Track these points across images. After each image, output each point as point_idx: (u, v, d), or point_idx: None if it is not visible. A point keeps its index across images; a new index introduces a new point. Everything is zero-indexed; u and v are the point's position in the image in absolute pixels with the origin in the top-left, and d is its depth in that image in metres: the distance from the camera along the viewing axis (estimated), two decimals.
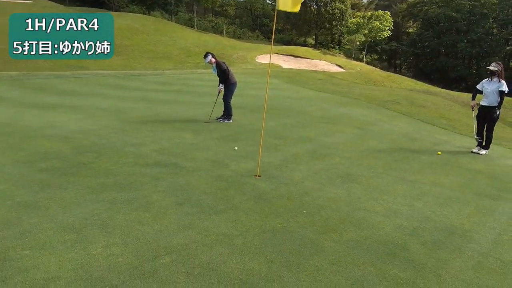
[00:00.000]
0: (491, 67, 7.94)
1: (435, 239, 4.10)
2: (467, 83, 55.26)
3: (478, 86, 8.27)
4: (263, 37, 59.65)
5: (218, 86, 9.72)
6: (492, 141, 8.47)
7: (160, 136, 7.92)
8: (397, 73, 50.94)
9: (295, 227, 4.18)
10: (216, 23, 59.90)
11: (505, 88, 7.81)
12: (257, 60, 39.50)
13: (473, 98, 8.35)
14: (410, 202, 5.12)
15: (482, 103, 8.14)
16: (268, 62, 38.05)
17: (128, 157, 6.38)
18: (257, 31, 62.20)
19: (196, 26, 56.40)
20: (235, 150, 7.08)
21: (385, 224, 4.40)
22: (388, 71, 51.47)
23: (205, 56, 9.47)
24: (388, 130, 10.02)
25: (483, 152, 8.23)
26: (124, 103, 12.76)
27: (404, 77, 44.80)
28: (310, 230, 4.14)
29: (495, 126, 8.26)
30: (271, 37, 6.13)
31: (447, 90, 27.89)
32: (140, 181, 5.31)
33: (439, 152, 7.94)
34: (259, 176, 5.73)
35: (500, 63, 8.06)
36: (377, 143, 8.48)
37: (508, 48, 56.38)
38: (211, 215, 4.36)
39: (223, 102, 9.63)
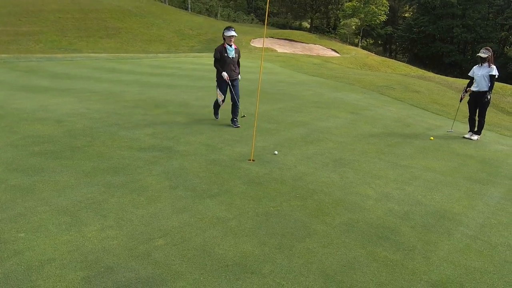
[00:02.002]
0: (481, 54, 7.97)
1: (425, 223, 4.18)
2: (461, 69, 55.32)
3: (469, 73, 8.37)
4: (258, 20, 59.02)
5: (238, 72, 7.74)
6: (484, 127, 8.55)
7: (154, 119, 7.91)
8: (392, 58, 50.89)
9: (288, 210, 4.23)
10: (211, 5, 59.09)
11: (495, 72, 7.87)
12: (251, 44, 39.22)
13: (469, 86, 8.38)
14: (402, 186, 5.19)
15: (473, 89, 8.21)
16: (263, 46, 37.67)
17: (122, 141, 6.37)
18: (251, 14, 61.47)
19: (190, 9, 55.66)
20: (275, 154, 6.17)
21: (377, 208, 4.46)
22: (383, 56, 51.32)
23: (233, 29, 7.49)
24: (381, 115, 10.06)
25: (475, 137, 8.31)
26: (117, 86, 12.69)
27: (399, 62, 44.73)
28: (303, 213, 4.19)
29: (486, 112, 8.33)
30: (266, 19, 6.11)
31: (441, 76, 27.93)
32: (134, 164, 5.32)
33: (432, 137, 8.02)
34: (252, 160, 5.77)
35: (489, 48, 8.10)
36: (370, 128, 8.53)
37: (503, 33, 56.31)
38: (205, 198, 4.40)
39: (237, 99, 7.70)
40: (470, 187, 5.38)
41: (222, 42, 7.60)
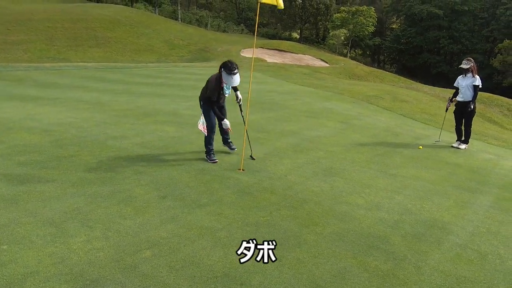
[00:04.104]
0: (463, 65, 8.10)
1: (415, 232, 4.17)
2: (448, 79, 56.09)
3: (455, 84, 8.49)
4: (248, 31, 59.32)
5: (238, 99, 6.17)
6: (472, 136, 8.64)
7: (143, 129, 7.83)
8: (380, 69, 51.43)
9: (278, 220, 4.19)
10: (201, 16, 59.25)
11: (478, 82, 7.98)
12: (241, 54, 39.34)
13: (454, 95, 8.50)
14: (392, 195, 5.19)
15: (458, 99, 8.32)
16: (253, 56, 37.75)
17: (110, 151, 6.29)
18: (242, 25, 61.76)
19: (180, 19, 55.73)
20: (253, 159, 6.22)
21: (367, 217, 4.45)
22: (371, 66, 51.87)
23: (237, 71, 5.57)
24: (370, 125, 10.11)
25: (463, 146, 8.38)
26: (106, 95, 12.58)
27: (387, 72, 45.23)
28: (293, 223, 4.16)
29: (473, 121, 8.42)
30: (255, 30, 6.10)
31: (429, 86, 28.30)
32: (122, 174, 5.24)
33: (421, 147, 8.07)
34: (242, 170, 5.72)
35: (471, 59, 8.20)
36: (359, 137, 8.55)
37: (488, 45, 57.41)
38: (194, 208, 4.34)
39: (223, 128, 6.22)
40: (459, 196, 5.41)
41: (219, 73, 5.71)
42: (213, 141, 6.12)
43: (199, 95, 6.13)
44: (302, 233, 3.94)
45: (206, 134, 5.94)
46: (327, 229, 4.08)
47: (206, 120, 5.94)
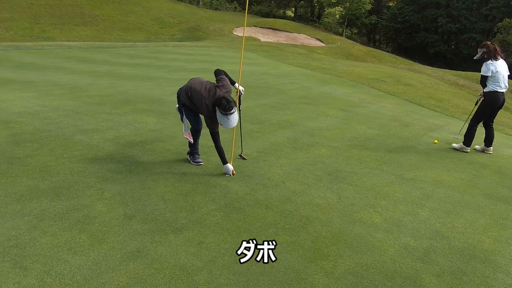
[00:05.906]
0: (475, 58, 6.72)
1: (453, 267, 3.22)
2: (445, 59, 54.99)
3: None
4: (241, 8, 57.34)
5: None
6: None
7: (119, 120, 6.82)
8: (376, 48, 50.03)
9: (276, 251, 3.23)
10: None
11: (482, 70, 6.44)
12: (234, 33, 37.93)
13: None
14: (414, 209, 4.24)
15: None
16: (246, 34, 36.43)
17: (75, 149, 5.30)
18: (234, 2, 59.77)
19: None
20: (244, 159, 5.36)
21: (389, 244, 3.50)
22: (367, 45, 50.48)
23: (233, 110, 4.32)
24: (375, 113, 9.13)
25: (456, 145, 6.84)
26: (86, 78, 11.49)
27: (384, 52, 44.03)
28: (295, 255, 3.21)
29: (477, 117, 6.70)
30: (249, 7, 5.06)
31: (430, 67, 27.23)
32: (84, 183, 4.25)
33: (436, 141, 7.09)
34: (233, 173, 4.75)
35: (485, 44, 6.51)
36: (365, 128, 7.58)
37: (487, 24, 56.11)
38: (168, 234, 3.38)
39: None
40: (494, 209, 4.46)
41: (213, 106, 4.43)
42: (198, 139, 5.10)
43: (179, 92, 4.93)
44: (308, 273, 3.00)
45: (192, 141, 4.92)
46: (339, 265, 3.14)
47: (191, 124, 4.92)
